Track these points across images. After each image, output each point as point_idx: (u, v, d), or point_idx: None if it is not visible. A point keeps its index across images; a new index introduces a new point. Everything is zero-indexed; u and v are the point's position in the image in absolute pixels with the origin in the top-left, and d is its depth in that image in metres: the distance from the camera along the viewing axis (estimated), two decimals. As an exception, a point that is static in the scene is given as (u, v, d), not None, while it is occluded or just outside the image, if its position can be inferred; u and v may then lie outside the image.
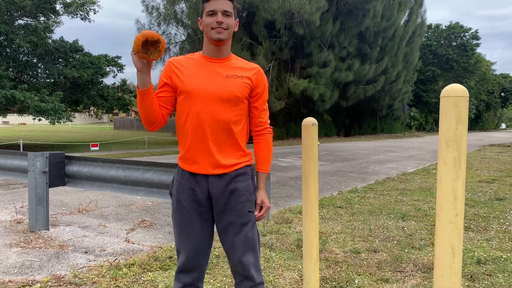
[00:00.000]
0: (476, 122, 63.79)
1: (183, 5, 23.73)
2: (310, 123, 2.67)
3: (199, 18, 1.92)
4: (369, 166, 11.18)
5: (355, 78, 24.90)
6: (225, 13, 1.84)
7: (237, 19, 1.95)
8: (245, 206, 1.89)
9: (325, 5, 20.22)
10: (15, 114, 20.04)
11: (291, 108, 25.93)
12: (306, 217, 2.68)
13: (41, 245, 3.87)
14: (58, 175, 4.47)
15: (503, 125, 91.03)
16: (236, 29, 1.94)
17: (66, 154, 4.59)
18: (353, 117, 33.91)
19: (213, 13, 1.83)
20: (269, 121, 2.04)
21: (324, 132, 30.19)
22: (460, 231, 1.56)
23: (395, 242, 3.99)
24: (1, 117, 20.76)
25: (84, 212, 5.35)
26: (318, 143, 2.77)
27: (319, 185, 7.74)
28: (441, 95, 1.57)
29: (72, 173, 4.48)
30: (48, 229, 4.36)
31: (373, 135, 34.16)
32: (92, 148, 15.95)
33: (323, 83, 22.83)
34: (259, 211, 1.96)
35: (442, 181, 1.56)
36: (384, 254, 3.61)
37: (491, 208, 5.58)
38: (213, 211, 1.94)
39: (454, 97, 1.52)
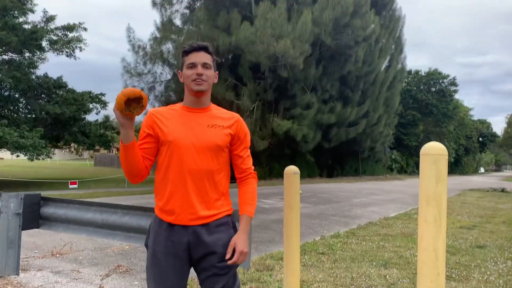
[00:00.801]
0: (456, 166, 64.91)
1: (169, 46, 24.09)
2: (292, 172, 2.67)
3: (179, 71, 1.96)
4: (351, 209, 11.16)
5: (338, 120, 25.27)
6: (205, 65, 1.89)
7: (216, 71, 1.99)
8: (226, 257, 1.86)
9: (308, 50, 20.73)
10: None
11: (274, 148, 26.03)
12: (288, 268, 2.62)
13: (9, 292, 3.68)
14: (33, 217, 4.32)
15: (482, 169, 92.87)
16: (215, 81, 1.98)
17: (42, 195, 4.46)
18: (335, 159, 34.18)
19: (193, 65, 1.88)
20: (253, 167, 2.04)
21: (307, 173, 30.26)
22: (442, 291, 1.54)
23: (377, 292, 3.92)
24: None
25: (57, 255, 5.15)
26: (301, 191, 2.75)
27: (301, 229, 7.65)
28: (420, 153, 1.58)
29: (47, 215, 4.33)
30: (18, 274, 4.17)
31: (355, 177, 34.38)
32: (71, 186, 15.61)
33: (306, 125, 23.09)
34: (230, 255, 1.85)
35: (423, 240, 1.54)
36: (366, 305, 3.53)
37: (472, 256, 5.57)
38: (191, 261, 1.88)
39: (433, 155, 1.53)
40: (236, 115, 2.02)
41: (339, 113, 25.04)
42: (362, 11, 22.39)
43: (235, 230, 1.96)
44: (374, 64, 27.22)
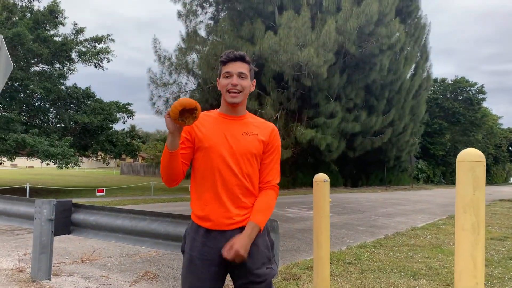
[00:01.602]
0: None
1: (194, 56, 24.42)
2: (322, 180, 2.65)
3: (217, 78, 1.99)
4: (377, 219, 10.99)
5: (362, 129, 25.02)
6: (240, 75, 1.91)
7: (254, 80, 2.01)
8: (264, 263, 1.87)
9: (332, 59, 20.67)
10: (24, 157, 20.25)
11: (298, 158, 25.94)
12: (317, 276, 2.60)
13: (41, 296, 3.76)
14: (64, 223, 4.43)
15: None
16: (252, 90, 2.00)
17: (73, 202, 4.56)
18: (360, 168, 33.78)
19: (228, 75, 1.91)
20: (277, 181, 2.01)
21: (331, 183, 29.70)
22: (481, 301, 1.50)
23: (407, 303, 3.84)
24: (9, 160, 20.94)
25: (87, 261, 5.24)
26: (330, 199, 2.74)
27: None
28: (457, 159, 1.56)
29: (78, 222, 4.43)
30: (50, 279, 4.26)
31: (380, 187, 33.86)
32: (98, 194, 15.90)
33: (330, 134, 22.94)
34: (226, 251, 1.80)
35: (461, 248, 1.51)
36: (396, 316, 3.46)
37: (505, 268, 5.40)
38: (228, 268, 1.88)
39: (470, 162, 1.51)
40: (271, 125, 2.04)
41: (364, 122, 24.79)
42: (386, 20, 22.21)
43: (269, 236, 1.97)
44: (399, 72, 26.88)
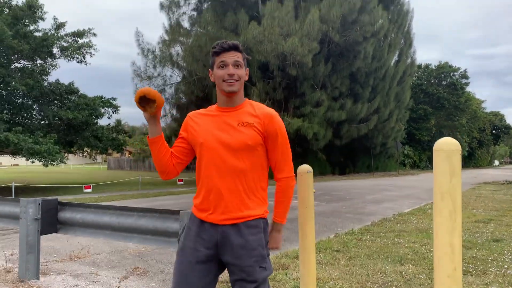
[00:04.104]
0: (469, 160, 64.19)
1: (178, 48, 24.22)
2: (305, 171, 2.68)
3: (209, 69, 1.98)
4: (365, 206, 11.13)
5: (348, 117, 25.20)
6: (236, 64, 1.89)
7: (247, 68, 2.00)
8: (257, 261, 1.84)
9: (316, 48, 20.70)
10: (8, 155, 19.97)
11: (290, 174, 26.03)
12: (304, 267, 2.64)
13: (30, 296, 3.75)
14: (51, 221, 4.40)
15: (496, 162, 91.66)
16: (246, 79, 1.98)
17: (59, 200, 4.53)
18: (347, 156, 34.03)
19: (224, 64, 1.89)
20: (288, 172, 2.01)
21: (319, 171, 30.18)
22: (459, 285, 1.54)
23: (394, 287, 3.92)
24: (-6, 159, 20.67)
25: (75, 259, 5.23)
26: (314, 190, 2.77)
27: (316, 227, 7.66)
28: (434, 148, 1.59)
29: (64, 220, 4.41)
30: (38, 278, 4.25)
31: (368, 173, 34.20)
32: (85, 190, 15.80)
33: (317, 122, 23.06)
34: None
35: (439, 235, 1.55)
36: (383, 302, 3.53)
37: (489, 250, 5.53)
38: (223, 261, 1.89)
39: (447, 151, 1.54)
40: (269, 110, 1.96)
41: (350, 109, 24.96)
42: (369, 7, 22.28)
43: (265, 234, 1.95)
44: (383, 59, 27.06)
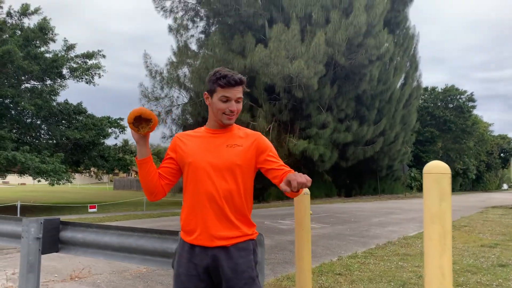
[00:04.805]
0: (477, 183, 63.55)
1: (185, 70, 24.55)
2: (302, 192, 2.69)
3: (206, 93, 1.98)
4: (370, 229, 11.02)
5: (354, 139, 25.20)
6: (238, 100, 1.92)
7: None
8: (246, 284, 1.83)
9: (322, 70, 20.89)
10: (16, 174, 20.12)
11: (293, 168, 25.99)
12: (300, 289, 2.63)
13: (29, 315, 3.74)
14: (52, 241, 4.41)
15: (505, 186, 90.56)
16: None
17: (61, 219, 4.55)
18: (353, 178, 33.85)
19: (227, 99, 1.90)
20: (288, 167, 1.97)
21: (325, 193, 30.03)
22: (451, 309, 1.54)
23: (395, 313, 3.86)
24: (0, 178, 20.82)
25: (76, 279, 5.22)
26: (311, 212, 2.77)
27: (319, 249, 7.61)
28: (423, 171, 1.61)
29: (66, 239, 4.41)
30: (37, 298, 4.24)
31: (374, 196, 33.93)
32: (90, 210, 15.82)
33: (323, 144, 23.08)
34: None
35: (429, 258, 1.56)
36: (383, 327, 3.48)
37: (494, 275, 5.44)
38: (213, 284, 1.88)
39: (436, 174, 1.56)
40: (256, 133, 2.01)
41: (356, 131, 24.98)
42: (375, 31, 22.52)
43: (255, 255, 1.92)
44: (389, 82, 27.20)
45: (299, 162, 25.73)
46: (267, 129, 22.30)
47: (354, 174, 32.83)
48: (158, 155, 24.28)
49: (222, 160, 1.88)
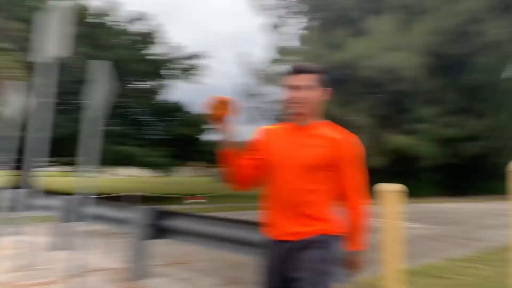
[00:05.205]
0: None
1: (285, 66, 24.89)
2: (393, 190, 2.66)
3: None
4: (477, 231, 10.24)
5: (462, 134, 23.41)
6: (299, 88, 1.92)
7: (329, 88, 2.00)
8: (317, 276, 1.87)
9: (425, 61, 19.78)
10: (124, 167, 22.10)
11: (391, 165, 25.01)
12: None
13: (138, 294, 4.18)
14: (158, 228, 4.88)
15: None
16: (323, 99, 1.99)
17: (165, 209, 5.01)
18: (460, 176, 31.43)
19: (289, 88, 1.96)
20: (356, 198, 2.01)
21: (427, 192, 28.36)
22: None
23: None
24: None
25: (178, 264, 5.66)
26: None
27: (417, 250, 7.29)
28: (509, 169, 1.52)
29: (171, 227, 4.85)
30: (144, 280, 4.71)
31: (484, 196, 31.18)
32: (199, 201, 16.79)
33: (426, 139, 21.86)
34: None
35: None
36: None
37: None
38: (291, 274, 1.95)
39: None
40: (340, 136, 1.98)
41: (463, 126, 23.20)
42: (485, 17, 20.67)
43: (330, 250, 1.93)
44: (503, 72, 24.77)
45: (399, 159, 24.63)
46: (365, 124, 21.72)
47: (461, 172, 30.47)
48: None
49: (298, 159, 1.93)
